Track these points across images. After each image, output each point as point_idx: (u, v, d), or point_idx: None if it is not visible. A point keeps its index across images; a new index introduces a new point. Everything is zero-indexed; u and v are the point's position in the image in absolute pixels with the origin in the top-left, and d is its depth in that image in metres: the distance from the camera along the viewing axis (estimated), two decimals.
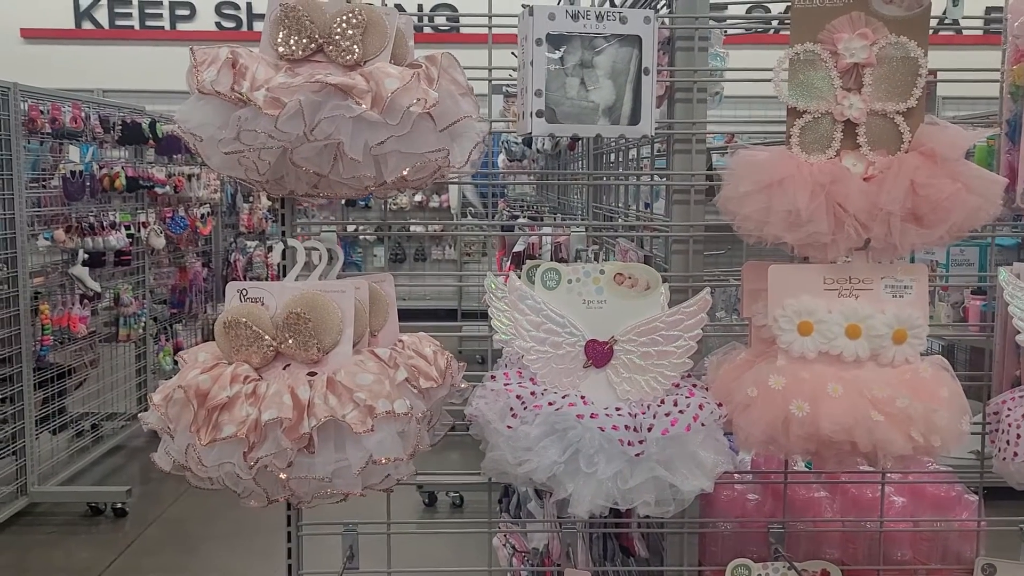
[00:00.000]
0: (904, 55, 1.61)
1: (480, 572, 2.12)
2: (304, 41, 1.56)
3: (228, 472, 1.50)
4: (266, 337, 1.58)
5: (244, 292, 1.63)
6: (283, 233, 1.85)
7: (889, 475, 2.01)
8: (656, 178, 2.55)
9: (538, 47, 1.63)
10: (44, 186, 5.34)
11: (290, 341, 1.58)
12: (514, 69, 2.51)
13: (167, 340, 6.68)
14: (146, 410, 1.59)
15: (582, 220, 3.77)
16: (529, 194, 7.88)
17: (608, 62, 1.66)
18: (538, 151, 5.37)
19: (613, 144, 3.15)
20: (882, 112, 1.62)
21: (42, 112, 5.09)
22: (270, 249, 8.26)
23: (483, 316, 1.80)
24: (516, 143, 5.89)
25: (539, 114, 1.65)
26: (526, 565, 3.08)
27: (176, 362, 1.65)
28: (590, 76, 1.66)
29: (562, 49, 1.66)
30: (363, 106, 1.50)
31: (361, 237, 10.97)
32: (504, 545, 3.28)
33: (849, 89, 1.63)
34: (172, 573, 4.40)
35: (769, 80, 1.78)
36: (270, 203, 8.55)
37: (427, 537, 4.18)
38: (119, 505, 5.08)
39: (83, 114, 5.47)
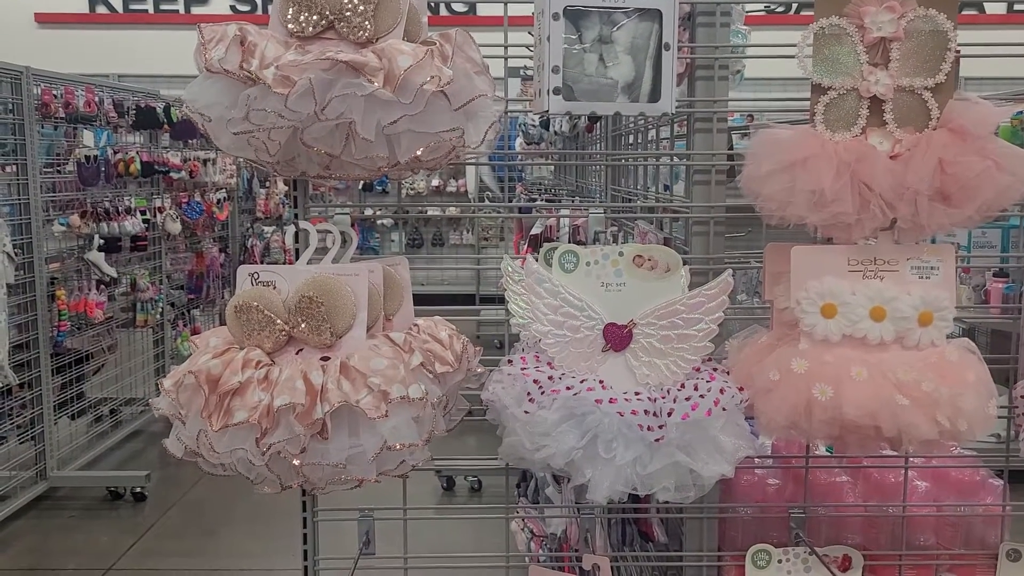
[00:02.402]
0: (933, 29, 1.56)
1: (498, 558, 2.10)
2: (314, 18, 1.52)
3: (240, 458, 1.48)
4: (278, 321, 1.55)
5: (256, 276, 1.61)
6: (295, 216, 1.82)
7: (912, 459, 1.97)
8: (676, 159, 2.50)
9: (555, 22, 1.58)
10: (59, 171, 5.35)
11: (303, 325, 1.55)
12: (531, 47, 2.47)
13: (185, 325, 6.69)
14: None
15: (600, 202, 3.73)
16: (547, 177, 7.83)
17: (627, 37, 1.61)
18: (556, 134, 5.32)
19: (632, 125, 3.10)
20: (910, 88, 1.57)
21: (55, 96, 5.09)
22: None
23: (501, 301, 1.77)
24: (534, 126, 5.84)
25: (556, 91, 1.60)
26: (544, 550, 3.06)
27: (190, 346, 1.63)
28: (609, 52, 1.61)
29: (580, 25, 1.61)
30: (375, 84, 1.46)
31: (379, 222, 10.95)
32: (522, 530, 3.26)
33: (876, 64, 1.58)
34: (191, 557, 4.42)
35: (790, 57, 1.73)
36: (287, 188, 8.54)
37: (445, 521, 4.17)
38: (138, 489, 5.11)
39: (96, 98, 5.46)
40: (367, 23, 1.53)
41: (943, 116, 1.56)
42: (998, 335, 5.28)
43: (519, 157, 5.34)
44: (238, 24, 1.51)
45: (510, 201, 5.65)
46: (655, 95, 1.63)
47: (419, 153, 1.57)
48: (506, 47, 1.92)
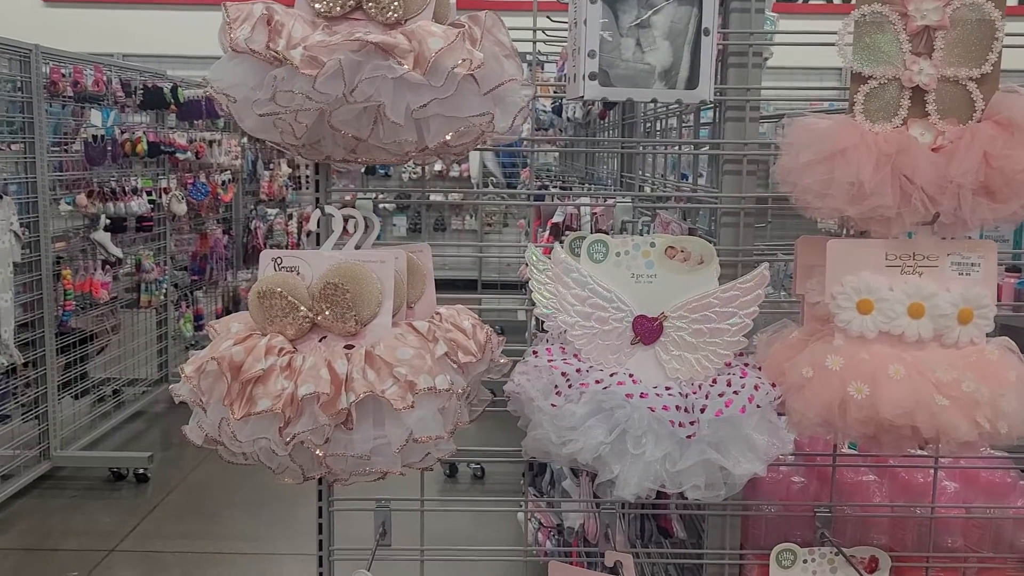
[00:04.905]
0: (980, 17, 1.51)
1: (515, 551, 2.07)
2: None
3: (263, 448, 1.45)
4: (302, 308, 1.51)
5: (279, 261, 1.57)
6: (317, 200, 1.78)
7: (941, 459, 1.93)
8: (701, 148, 2.45)
9: (592, 5, 1.53)
10: (66, 150, 5.31)
11: (327, 312, 1.51)
12: (544, 30, 2.42)
13: (188, 307, 6.66)
14: (166, 376, 1.53)
15: (616, 191, 3.68)
16: (552, 164, 7.78)
17: (666, 22, 1.56)
18: (568, 120, 5.26)
19: (652, 112, 3.05)
20: (954, 78, 1.53)
21: (64, 75, 5.03)
22: (290, 217, 8.25)
23: (503, 287, 1.73)
24: (544, 111, 5.78)
25: (592, 77, 1.55)
26: (551, 540, 3.03)
27: (197, 328, 1.59)
28: (646, 37, 1.56)
29: (617, 8, 1.56)
30: (405, 67, 1.42)
31: (380, 206, 10.89)
32: (530, 519, 3.24)
33: (919, 53, 1.53)
34: (193, 539, 4.40)
35: (815, 45, 1.68)
36: (290, 171, 8.52)
37: (449, 509, 4.15)
38: (141, 470, 5.09)
39: (104, 78, 5.41)
40: (396, 3, 1.49)
41: (989, 108, 1.52)
42: (1008, 331, 5.25)
43: (528, 144, 5.29)
44: (264, 3, 1.47)
45: (515, 187, 5.61)
46: (693, 81, 1.58)
47: (448, 138, 1.53)
48: (535, 30, 1.87)
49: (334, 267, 1.53)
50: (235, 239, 7.55)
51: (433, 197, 10.87)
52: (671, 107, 2.66)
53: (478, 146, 1.64)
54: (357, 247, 1.65)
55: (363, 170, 10.76)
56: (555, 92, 4.52)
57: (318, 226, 1.73)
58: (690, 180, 2.95)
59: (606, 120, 4.56)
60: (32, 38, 4.93)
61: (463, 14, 1.58)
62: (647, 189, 3.18)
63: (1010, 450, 1.99)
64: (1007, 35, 1.78)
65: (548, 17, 2.82)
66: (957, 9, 1.51)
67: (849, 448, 2.06)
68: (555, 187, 5.53)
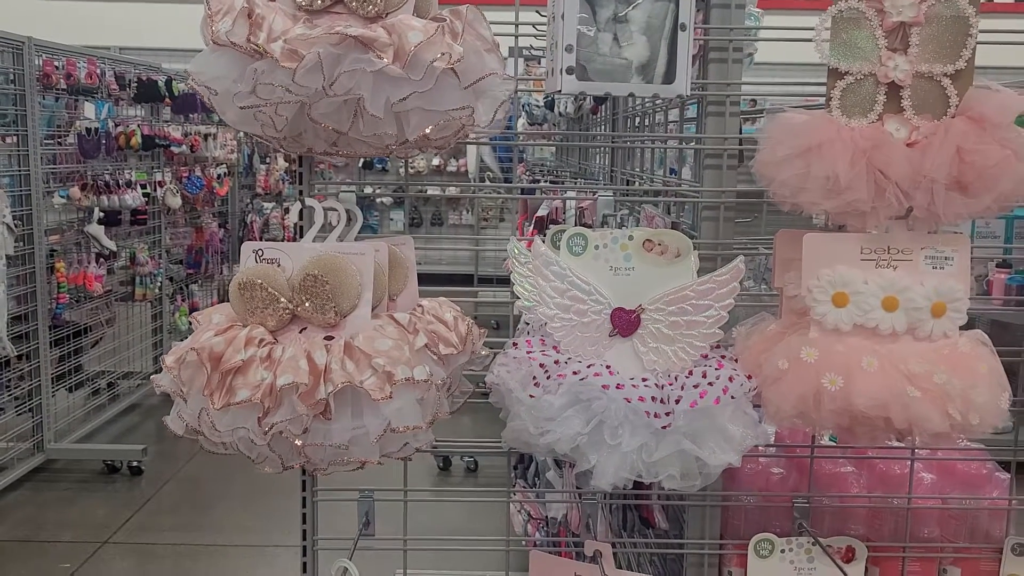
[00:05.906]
0: (954, 14, 1.52)
1: (498, 541, 2.09)
2: None
3: (242, 437, 1.46)
4: (282, 299, 1.53)
5: (260, 252, 1.58)
6: (300, 192, 1.79)
7: (918, 451, 1.95)
8: (686, 142, 2.47)
9: None
10: (59, 143, 5.32)
11: (307, 304, 1.53)
12: (535, 25, 2.42)
13: (183, 300, 6.69)
14: (161, 370, 1.55)
15: (606, 185, 3.70)
16: (548, 159, 7.79)
17: (643, 17, 1.57)
18: (560, 115, 5.28)
19: (639, 107, 3.07)
20: (929, 74, 1.54)
21: (57, 67, 5.05)
22: (287, 211, 8.26)
23: (499, 281, 1.74)
24: (538, 106, 5.79)
25: (569, 71, 1.57)
26: (541, 532, 3.06)
27: (192, 322, 1.61)
28: (623, 32, 1.58)
29: (594, 3, 1.58)
30: (385, 60, 1.43)
31: (378, 200, 10.90)
32: (519, 512, 3.26)
33: (895, 49, 1.55)
34: (188, 532, 4.43)
35: (801, 41, 1.69)
36: (287, 164, 8.53)
37: (440, 500, 4.17)
38: (135, 463, 5.11)
39: (98, 70, 5.42)
40: None
41: (962, 103, 1.53)
42: (997, 326, 5.26)
43: (522, 138, 5.30)
44: None
45: (512, 182, 5.62)
46: (670, 76, 1.60)
47: (428, 131, 1.54)
48: (517, 24, 1.88)
49: (314, 259, 1.55)
50: (231, 233, 7.57)
51: (429, 191, 10.87)
52: (656, 102, 2.68)
53: (463, 139, 1.65)
54: (340, 240, 1.67)
55: (360, 164, 10.79)
56: None
57: (300, 218, 1.74)
58: (678, 175, 2.97)
59: (598, 115, 4.57)
60: (27, 30, 4.94)
61: (446, 9, 1.59)
62: (636, 184, 3.20)
63: (986, 442, 2.01)
64: (1008, 32, 1.81)
65: (538, 12, 2.83)
66: (932, 5, 1.52)
67: (830, 441, 2.08)
68: (547, 182, 5.54)
